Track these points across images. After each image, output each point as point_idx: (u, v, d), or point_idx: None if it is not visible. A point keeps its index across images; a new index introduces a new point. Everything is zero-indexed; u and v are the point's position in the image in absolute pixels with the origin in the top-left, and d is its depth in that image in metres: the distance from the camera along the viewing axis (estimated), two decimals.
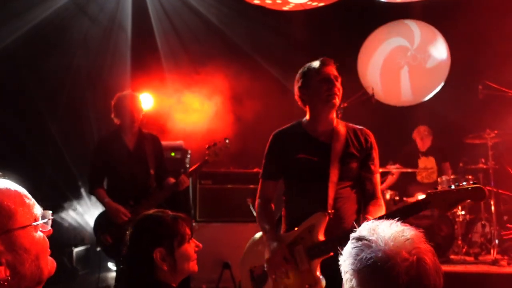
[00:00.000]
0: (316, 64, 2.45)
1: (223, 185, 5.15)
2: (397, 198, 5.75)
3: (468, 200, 2.27)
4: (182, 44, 6.43)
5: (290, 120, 7.11)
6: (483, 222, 5.30)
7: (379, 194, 2.44)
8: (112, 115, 3.76)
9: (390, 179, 5.78)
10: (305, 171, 2.39)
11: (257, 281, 2.45)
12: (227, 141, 3.69)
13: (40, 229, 1.01)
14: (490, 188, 5.27)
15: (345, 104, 5.63)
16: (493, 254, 4.90)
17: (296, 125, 2.54)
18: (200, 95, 5.75)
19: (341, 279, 1.03)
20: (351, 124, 2.58)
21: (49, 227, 1.04)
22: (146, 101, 6.15)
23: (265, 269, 2.39)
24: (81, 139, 5.78)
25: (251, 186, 5.13)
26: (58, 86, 6.05)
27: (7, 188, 1.00)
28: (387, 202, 5.66)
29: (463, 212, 5.29)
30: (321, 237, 2.26)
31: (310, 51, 6.61)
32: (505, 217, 5.59)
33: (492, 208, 5.05)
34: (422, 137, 5.96)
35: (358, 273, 0.98)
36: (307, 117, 2.50)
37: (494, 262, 4.78)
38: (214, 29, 6.51)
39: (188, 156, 5.31)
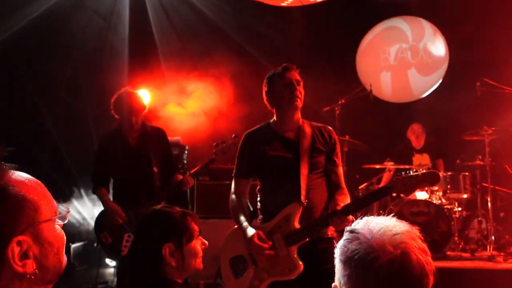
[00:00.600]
0: (279, 70, 2.70)
1: (221, 181, 5.15)
2: (394, 194, 5.76)
3: (425, 184, 2.50)
4: (180, 40, 6.42)
5: None
6: (479, 219, 5.32)
7: (343, 185, 2.66)
8: (112, 112, 3.67)
9: (386, 176, 5.79)
10: (277, 167, 2.59)
11: (237, 271, 2.60)
12: (236, 138, 3.40)
13: (57, 222, 1.03)
14: (487, 185, 5.30)
15: (343, 101, 5.64)
16: (489, 250, 4.92)
17: (265, 126, 2.75)
18: (198, 92, 5.74)
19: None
20: (314, 123, 2.84)
21: (66, 220, 1.04)
22: (144, 97, 6.15)
23: (245, 258, 2.56)
24: (79, 136, 5.78)
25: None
26: (55, 83, 6.04)
27: (30, 180, 1.00)
28: (384, 199, 5.68)
29: (459, 209, 5.31)
30: (297, 225, 2.47)
31: (308, 48, 6.62)
32: (502, 214, 5.62)
33: (489, 204, 5.07)
34: (417, 136, 5.96)
35: (344, 263, 1.00)
36: (275, 118, 2.73)
37: (490, 258, 4.81)
38: (213, 25, 6.49)
39: (186, 152, 5.32)
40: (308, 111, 6.67)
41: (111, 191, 3.78)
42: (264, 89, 2.75)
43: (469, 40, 6.24)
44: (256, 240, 2.46)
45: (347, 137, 5.65)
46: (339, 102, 5.64)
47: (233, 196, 2.72)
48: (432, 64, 6.26)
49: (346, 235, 1.04)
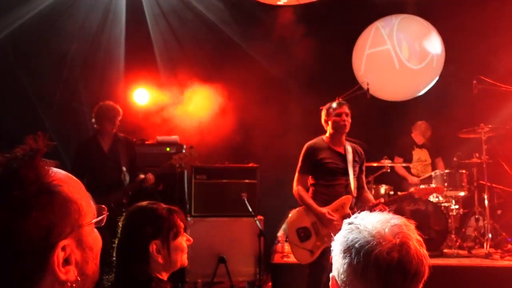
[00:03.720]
0: (336, 105, 3.89)
1: (218, 179, 5.15)
2: (391, 192, 5.78)
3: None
4: (177, 39, 6.40)
5: (285, 116, 7.15)
6: (476, 216, 5.33)
7: (365, 186, 4.07)
8: (93, 121, 4.43)
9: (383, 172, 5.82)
10: (332, 171, 3.77)
11: (302, 237, 3.67)
12: (191, 149, 4.61)
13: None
14: (484, 183, 5.31)
15: (340, 99, 5.64)
16: (486, 248, 4.94)
17: (320, 140, 3.91)
18: (195, 90, 5.73)
19: None
20: (351, 143, 4.05)
21: (103, 223, 0.96)
22: (142, 96, 6.15)
23: (308, 228, 3.68)
24: (75, 133, 5.75)
25: (246, 180, 5.14)
26: (51, 80, 6.02)
27: (71, 179, 0.92)
28: (381, 197, 5.69)
29: (457, 206, 5.33)
30: (348, 211, 3.56)
31: (305, 47, 6.61)
32: (499, 211, 5.64)
33: (486, 202, 5.08)
34: (423, 133, 6.01)
35: (344, 252, 1.03)
36: (328, 135, 3.90)
37: (487, 256, 4.82)
38: (209, 24, 6.48)
39: (183, 151, 5.31)
40: (305, 108, 6.71)
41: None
42: (324, 115, 3.90)
43: (465, 38, 6.24)
44: (327, 214, 3.59)
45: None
46: (337, 101, 5.64)
47: (299, 187, 3.78)
48: (428, 62, 6.26)
49: (345, 227, 1.07)
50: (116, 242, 1.71)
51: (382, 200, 3.81)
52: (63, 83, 6.06)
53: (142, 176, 4.34)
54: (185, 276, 4.78)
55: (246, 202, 4.63)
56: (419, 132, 6.10)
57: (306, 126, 6.42)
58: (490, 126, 5.22)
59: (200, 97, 5.63)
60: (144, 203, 1.77)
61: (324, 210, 3.63)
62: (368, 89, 5.73)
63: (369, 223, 1.04)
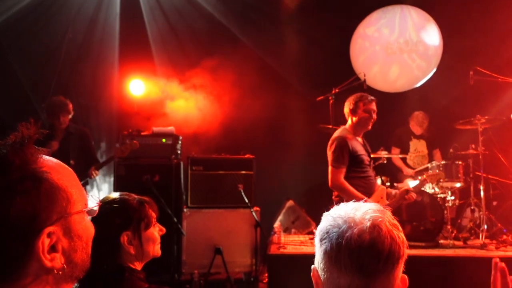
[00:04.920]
0: (368, 99, 3.91)
1: (215, 171, 5.14)
2: (388, 183, 5.78)
3: None
4: (172, 30, 6.35)
5: (282, 107, 7.12)
6: (472, 207, 5.35)
7: None
8: (45, 116, 4.58)
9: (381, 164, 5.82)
10: (365, 163, 3.81)
11: None
12: (134, 142, 4.56)
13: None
14: (479, 174, 5.33)
15: (337, 90, 5.63)
16: (482, 239, 4.96)
17: (346, 132, 3.88)
18: (191, 82, 5.70)
19: None
20: None
21: (95, 214, 0.97)
22: (137, 87, 6.11)
23: None
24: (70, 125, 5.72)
25: (243, 172, 5.13)
26: (46, 71, 5.97)
27: (62, 167, 0.92)
28: None
29: (453, 197, 5.34)
30: (386, 202, 3.74)
31: (303, 37, 6.58)
32: (494, 202, 5.66)
33: (482, 193, 5.09)
34: (420, 123, 6.02)
35: (321, 240, 1.06)
36: (351, 126, 3.93)
37: (483, 246, 4.85)
38: (205, 13, 6.43)
39: (179, 142, 5.29)
40: (302, 100, 6.69)
41: None
42: (351, 105, 3.89)
43: (462, 29, 6.23)
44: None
45: (341, 127, 5.65)
46: (333, 92, 5.63)
47: (341, 180, 3.73)
48: (426, 53, 6.24)
49: (323, 218, 1.09)
50: None
51: (411, 188, 3.95)
52: (57, 74, 6.01)
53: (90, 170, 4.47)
54: (182, 267, 4.79)
55: (242, 193, 4.62)
56: (416, 122, 6.11)
57: (303, 117, 6.42)
58: (486, 117, 5.21)
59: (196, 87, 5.60)
60: (115, 194, 1.77)
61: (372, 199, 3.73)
62: (364, 80, 5.71)
63: (342, 211, 1.07)
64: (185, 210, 4.96)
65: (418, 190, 3.99)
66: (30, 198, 0.82)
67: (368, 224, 1.01)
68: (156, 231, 1.76)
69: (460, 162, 5.48)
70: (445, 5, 6.36)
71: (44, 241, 0.83)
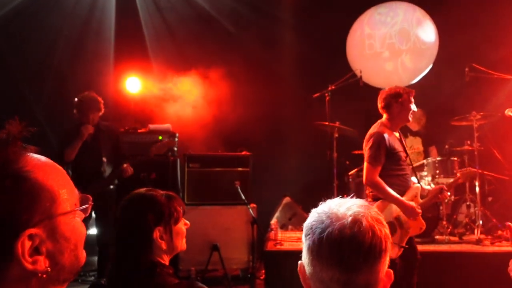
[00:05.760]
0: (405, 90, 3.73)
1: (211, 168, 5.15)
2: None
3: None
4: (168, 28, 6.33)
5: (278, 104, 7.11)
6: (468, 203, 5.38)
7: None
8: (74, 111, 4.41)
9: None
10: (402, 160, 3.67)
11: (390, 233, 3.34)
12: (170, 140, 4.74)
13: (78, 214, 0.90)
14: (475, 170, 5.35)
15: (333, 87, 5.64)
16: (477, 234, 5.00)
17: (384, 127, 3.65)
18: (187, 79, 5.70)
19: None
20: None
21: (87, 213, 0.93)
22: (133, 84, 6.10)
23: (392, 222, 3.55)
24: (65, 120, 5.70)
25: (239, 168, 5.14)
26: (41, 69, 5.95)
27: (50, 166, 0.88)
28: None
29: (448, 193, 5.37)
30: (420, 200, 3.67)
31: (299, 34, 6.58)
32: (490, 198, 5.69)
33: (477, 189, 5.13)
34: (417, 119, 6.04)
35: (305, 236, 1.07)
36: (388, 120, 3.70)
37: (478, 242, 4.88)
38: (202, 12, 6.41)
39: (176, 139, 5.29)
40: (298, 97, 6.70)
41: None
42: (388, 98, 3.70)
43: (458, 25, 6.24)
44: (417, 209, 3.54)
45: (337, 123, 5.66)
46: (329, 88, 5.64)
47: (376, 178, 3.54)
48: (422, 50, 6.26)
49: (310, 214, 1.10)
50: (116, 232, 1.73)
51: (444, 186, 3.75)
52: (53, 71, 5.99)
53: (124, 165, 4.34)
54: (179, 264, 4.80)
55: (239, 190, 4.63)
56: (413, 119, 6.10)
57: (299, 114, 6.43)
58: (481, 113, 5.23)
59: (192, 85, 5.60)
60: (142, 190, 1.78)
61: (413, 203, 3.56)
62: (361, 76, 5.72)
63: (327, 207, 1.08)
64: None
65: (452, 188, 3.91)
66: (9, 197, 0.78)
67: (350, 219, 1.02)
68: (183, 225, 1.79)
69: (455, 158, 5.51)
70: (440, 2, 6.37)
71: (25, 243, 0.79)
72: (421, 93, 6.42)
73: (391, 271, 1.07)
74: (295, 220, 5.91)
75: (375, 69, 6.27)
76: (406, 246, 3.49)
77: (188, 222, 1.81)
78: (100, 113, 4.46)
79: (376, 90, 6.49)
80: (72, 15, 6.10)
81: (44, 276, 0.82)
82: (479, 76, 5.23)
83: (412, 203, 3.55)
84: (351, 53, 6.54)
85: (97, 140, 4.41)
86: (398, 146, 3.64)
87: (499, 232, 5.27)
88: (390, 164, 3.59)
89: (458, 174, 3.99)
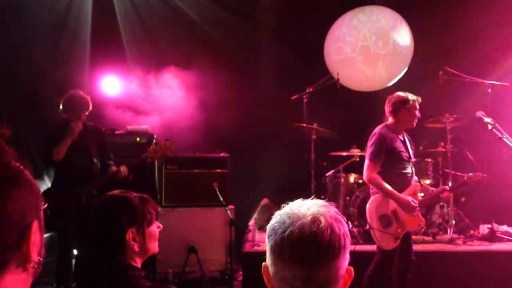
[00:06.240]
0: (418, 101, 3.97)
1: (189, 169, 5.13)
2: (360, 181, 5.89)
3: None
4: (145, 28, 6.28)
5: (256, 106, 7.12)
6: (441, 203, 5.51)
7: None
8: (60, 110, 4.21)
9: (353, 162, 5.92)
10: (404, 159, 3.88)
11: (384, 224, 3.75)
12: (167, 141, 4.34)
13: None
14: (448, 171, 5.49)
15: (311, 89, 5.70)
16: (450, 234, 5.13)
17: (387, 128, 3.91)
18: (165, 80, 5.67)
19: None
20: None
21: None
22: (110, 85, 6.04)
23: (389, 215, 3.77)
24: (41, 122, 5.60)
25: (218, 170, 5.14)
26: (15, 69, 5.83)
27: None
28: (350, 186, 5.80)
29: (422, 194, 5.48)
30: (419, 198, 3.87)
31: (278, 36, 6.62)
32: (462, 199, 5.83)
33: None
34: None
35: (268, 238, 1.11)
36: (393, 123, 3.94)
37: (451, 241, 5.02)
38: (179, 11, 6.39)
39: (154, 141, 5.26)
40: (277, 99, 6.73)
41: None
42: (395, 104, 3.91)
43: (432, 29, 6.39)
44: (412, 202, 3.74)
45: (315, 125, 5.72)
46: (307, 91, 5.69)
47: (375, 174, 3.77)
48: (398, 54, 6.37)
49: (273, 217, 1.14)
50: (89, 233, 1.72)
51: (447, 187, 3.98)
52: (28, 71, 5.88)
53: (114, 168, 4.22)
54: (156, 267, 4.78)
55: (217, 191, 4.63)
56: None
57: (278, 116, 6.47)
58: (454, 116, 5.37)
59: (170, 86, 5.57)
60: (115, 192, 1.78)
61: (408, 198, 3.76)
62: (338, 79, 5.79)
63: (289, 208, 1.12)
64: (159, 209, 4.94)
65: (455, 190, 4.05)
66: (22, 191, 0.85)
67: (309, 218, 1.06)
68: (155, 227, 1.79)
69: (429, 160, 5.64)
70: (416, 6, 6.51)
71: (33, 233, 0.85)
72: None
73: (351, 268, 1.12)
74: None
75: (351, 72, 6.35)
76: (400, 237, 3.69)
77: (161, 225, 1.81)
78: (88, 112, 4.27)
79: (353, 93, 6.63)
80: (48, 13, 6.00)
81: (36, 266, 0.87)
82: (452, 79, 5.36)
83: (409, 198, 3.75)
84: (328, 56, 6.60)
85: (86, 139, 4.22)
86: (399, 146, 3.86)
87: (471, 231, 5.42)
88: (392, 162, 3.82)
89: (465, 178, 4.02)
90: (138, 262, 1.72)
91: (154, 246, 1.77)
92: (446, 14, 6.37)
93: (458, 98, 6.05)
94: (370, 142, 3.90)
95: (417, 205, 3.78)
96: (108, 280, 1.62)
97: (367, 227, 3.82)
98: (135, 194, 1.77)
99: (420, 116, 4.01)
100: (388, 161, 3.82)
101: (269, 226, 1.12)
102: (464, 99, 6.01)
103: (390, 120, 3.97)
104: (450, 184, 5.24)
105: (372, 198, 3.86)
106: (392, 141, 3.84)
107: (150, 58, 6.03)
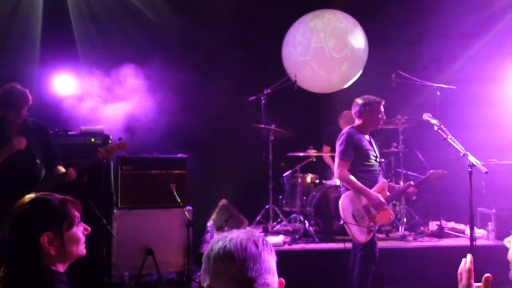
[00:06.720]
0: (379, 103, 4.17)
1: (147, 170, 5.06)
2: (317, 181, 6.01)
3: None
4: (98, 26, 6.12)
5: (214, 107, 7.10)
6: (394, 202, 5.70)
7: None
8: None
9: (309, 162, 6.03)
10: (371, 157, 4.10)
11: (357, 218, 3.94)
12: (120, 141, 4.12)
13: None
14: (400, 170, 5.70)
15: (269, 90, 5.76)
16: (401, 231, 5.34)
17: (354, 129, 4.17)
18: (121, 79, 5.55)
19: None
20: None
21: None
22: (63, 84, 5.85)
23: (361, 210, 3.97)
24: None
25: (176, 171, 5.10)
26: None
27: None
28: (307, 185, 5.90)
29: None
30: (387, 194, 4.09)
31: (235, 38, 6.64)
32: (414, 197, 6.07)
33: None
34: (348, 121, 6.28)
35: (207, 258, 1.25)
36: (359, 125, 4.18)
37: (402, 238, 5.22)
38: (133, 10, 6.27)
39: (109, 142, 5.14)
40: (235, 100, 6.74)
41: None
42: (362, 106, 4.14)
43: (387, 34, 6.60)
44: (380, 199, 3.97)
45: (272, 126, 5.79)
46: (265, 92, 5.76)
47: (346, 172, 3.99)
48: (354, 57, 6.53)
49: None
50: (6, 236, 1.66)
51: (412, 183, 4.17)
52: None
53: (62, 170, 3.89)
54: (111, 270, 4.68)
55: (175, 192, 4.60)
56: (345, 121, 6.35)
57: (236, 117, 6.49)
58: (406, 117, 5.60)
59: (125, 85, 5.47)
60: (38, 194, 1.72)
61: (377, 194, 3.98)
62: (295, 80, 5.89)
63: (230, 233, 1.27)
64: (115, 211, 4.85)
65: (420, 185, 4.18)
66: None
67: (228, 239, 1.24)
68: (80, 230, 1.74)
69: (382, 160, 5.82)
70: (370, 11, 6.71)
71: None
72: (353, 97, 6.72)
73: (282, 280, 1.25)
74: (231, 222, 5.96)
75: (308, 74, 6.46)
76: (374, 228, 3.95)
77: (88, 228, 1.77)
78: (26, 108, 3.81)
79: (310, 94, 6.75)
80: None
81: None
82: (404, 82, 5.58)
83: (378, 195, 3.97)
84: (286, 58, 6.69)
85: (26, 139, 3.79)
86: (366, 145, 4.09)
87: (422, 228, 5.66)
88: (360, 160, 4.04)
89: (427, 174, 4.23)
90: (59, 267, 1.67)
91: (77, 250, 1.72)
92: (399, 19, 6.60)
93: (409, 100, 6.29)
94: (338, 142, 4.11)
95: (385, 202, 3.99)
96: (25, 283, 1.58)
97: (341, 222, 3.95)
98: (58, 196, 1.72)
99: (384, 118, 4.20)
100: (357, 159, 4.03)
101: (209, 247, 1.27)
102: (415, 101, 6.26)
103: (357, 121, 4.20)
104: (401, 183, 5.46)
105: (344, 194, 4.04)
106: (359, 140, 4.06)
107: (105, 57, 5.87)
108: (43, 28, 5.92)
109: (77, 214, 1.73)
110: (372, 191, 3.99)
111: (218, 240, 1.24)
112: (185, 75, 6.11)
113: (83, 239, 1.74)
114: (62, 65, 5.83)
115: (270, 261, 1.23)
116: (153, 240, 4.72)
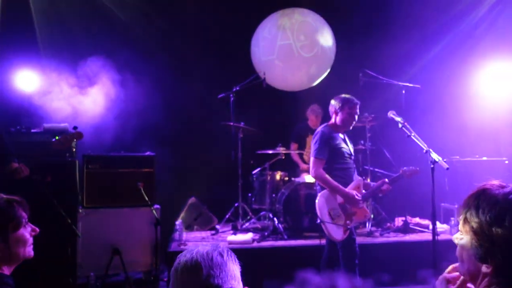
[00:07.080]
0: (354, 103, 4.18)
1: (113, 169, 4.96)
2: (286, 178, 6.05)
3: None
4: (61, 20, 5.94)
5: (182, 104, 7.03)
6: None
7: None
8: None
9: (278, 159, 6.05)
10: (345, 155, 4.12)
11: (333, 216, 3.97)
12: (75, 130, 4.12)
13: None
14: (367, 167, 5.81)
15: (237, 88, 5.75)
16: (369, 227, 5.44)
17: (329, 128, 4.16)
18: (86, 75, 5.42)
19: None
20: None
21: None
22: (26, 81, 5.67)
23: (337, 208, 3.99)
24: None
25: (143, 169, 5.02)
26: None
27: None
28: (276, 183, 5.92)
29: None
30: (363, 191, 4.11)
31: (204, 36, 6.59)
32: (381, 194, 6.19)
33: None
34: (316, 115, 6.35)
35: (175, 271, 1.29)
36: (333, 124, 4.19)
37: (369, 234, 5.32)
38: (99, 5, 6.12)
39: (74, 139, 5.01)
40: (202, 97, 6.69)
41: None
42: (339, 105, 4.15)
43: (352, 33, 6.69)
44: (356, 196, 3.99)
45: (242, 124, 5.78)
46: (234, 90, 5.74)
47: (321, 170, 4.00)
48: (321, 55, 6.59)
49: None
50: None
51: (386, 180, 4.20)
52: None
53: (15, 165, 3.79)
54: (77, 270, 4.57)
55: (142, 191, 4.52)
56: (313, 115, 6.41)
57: (204, 115, 6.45)
58: (373, 115, 5.70)
59: (91, 81, 5.34)
60: None
61: (353, 192, 4.00)
62: (264, 78, 5.90)
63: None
64: (80, 210, 4.73)
65: (394, 182, 4.21)
66: None
67: (189, 257, 1.29)
68: (27, 232, 1.69)
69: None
70: (338, 9, 6.78)
71: None
72: (321, 95, 6.80)
73: None
74: (200, 220, 5.92)
75: (277, 72, 6.48)
76: (349, 225, 3.96)
77: (37, 229, 1.73)
78: None
79: (278, 92, 6.77)
80: None
81: None
82: (371, 80, 5.68)
83: (354, 192, 4.00)
84: (255, 56, 6.69)
85: None
86: (340, 143, 4.11)
87: (388, 224, 5.78)
88: (334, 158, 4.05)
89: (401, 171, 4.28)
90: (4, 269, 1.62)
91: (24, 252, 1.68)
92: (366, 18, 6.70)
93: (376, 98, 6.40)
94: (313, 141, 4.12)
95: (360, 198, 4.03)
96: None
97: (318, 221, 3.96)
98: (3, 196, 1.67)
99: (356, 119, 4.25)
100: (331, 157, 4.05)
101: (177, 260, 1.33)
102: (381, 99, 6.38)
103: (332, 120, 4.22)
104: (369, 180, 5.56)
105: (320, 193, 4.04)
106: (333, 139, 4.08)
107: (71, 54, 5.71)
108: (2, 22, 5.70)
109: (24, 214, 1.67)
110: (347, 189, 4.01)
111: (185, 253, 1.30)
112: (155, 73, 6.03)
113: (30, 240, 1.70)
114: (24, 61, 5.63)
115: (235, 269, 1.30)
116: (120, 239, 4.64)
